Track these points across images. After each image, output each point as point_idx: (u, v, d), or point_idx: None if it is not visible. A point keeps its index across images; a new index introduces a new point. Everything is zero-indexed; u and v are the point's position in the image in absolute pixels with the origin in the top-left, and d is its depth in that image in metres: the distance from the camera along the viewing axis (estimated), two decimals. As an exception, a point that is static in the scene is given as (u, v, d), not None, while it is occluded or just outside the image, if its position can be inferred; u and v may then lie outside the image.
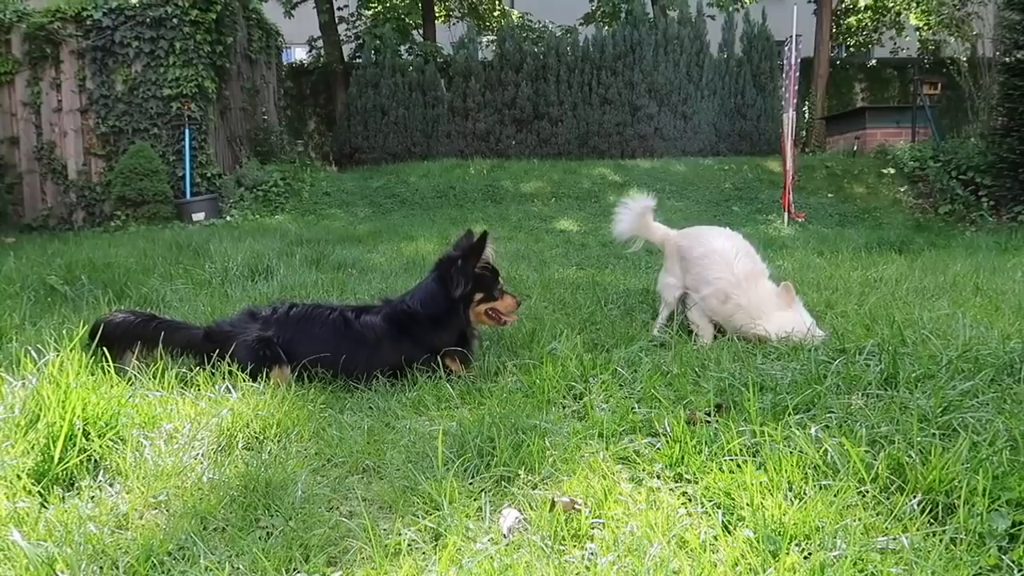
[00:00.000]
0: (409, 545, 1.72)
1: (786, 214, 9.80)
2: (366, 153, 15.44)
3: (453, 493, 1.91)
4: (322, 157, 16.73)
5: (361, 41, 17.41)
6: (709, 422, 2.30)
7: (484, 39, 19.53)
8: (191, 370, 2.85)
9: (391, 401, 2.75)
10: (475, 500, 1.92)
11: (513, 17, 20.74)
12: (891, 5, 21.84)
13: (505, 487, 1.99)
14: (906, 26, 22.03)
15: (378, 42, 15.78)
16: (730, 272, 3.46)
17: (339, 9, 19.20)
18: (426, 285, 3.15)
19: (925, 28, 21.17)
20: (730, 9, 16.65)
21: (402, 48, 17.26)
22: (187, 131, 10.64)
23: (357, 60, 17.61)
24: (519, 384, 2.85)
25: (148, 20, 10.59)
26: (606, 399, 2.63)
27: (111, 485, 2.05)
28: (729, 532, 1.71)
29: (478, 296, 3.13)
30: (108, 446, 2.17)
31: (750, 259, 3.59)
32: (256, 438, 2.37)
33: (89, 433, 2.15)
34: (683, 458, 2.07)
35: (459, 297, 3.06)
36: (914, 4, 21.39)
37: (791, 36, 9.79)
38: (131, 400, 2.42)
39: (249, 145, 12.55)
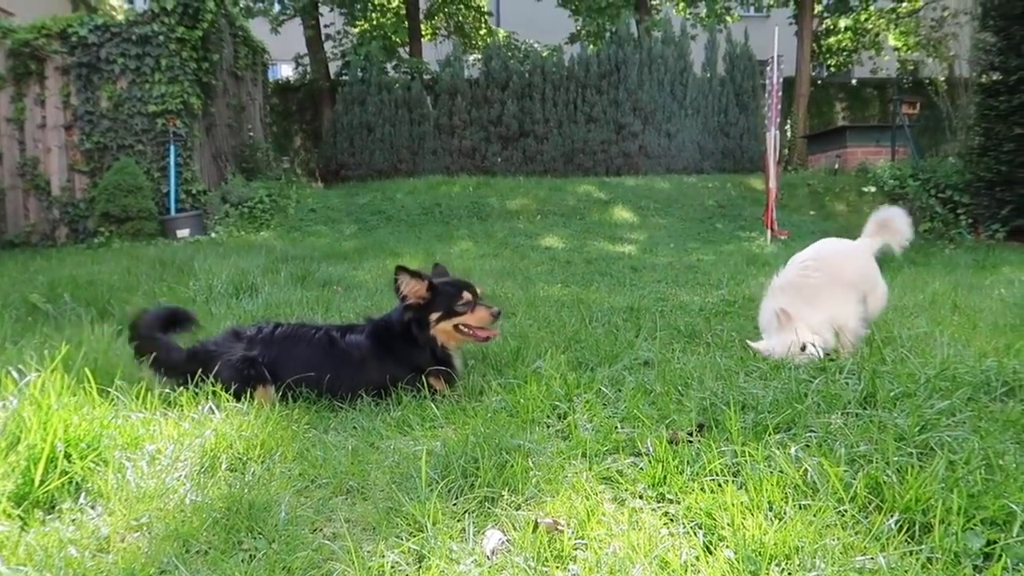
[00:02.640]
0: (392, 567, 1.73)
1: (769, 231, 9.90)
2: (352, 170, 15.47)
3: (437, 514, 1.92)
4: (308, 174, 16.73)
5: (347, 58, 17.49)
6: (691, 442, 2.32)
7: (470, 57, 19.68)
8: (174, 390, 2.84)
9: (375, 421, 2.75)
10: (459, 521, 1.92)
11: (499, 36, 20.90)
12: (870, 26, 22.22)
13: (489, 508, 1.99)
14: (885, 47, 22.40)
15: (364, 60, 15.85)
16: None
17: (325, 27, 19.30)
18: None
19: (904, 49, 21.56)
20: (713, 29, 16.86)
21: (388, 65, 17.35)
22: (172, 147, 10.62)
23: (343, 77, 17.67)
24: (503, 403, 2.86)
25: (134, 37, 10.60)
26: (590, 419, 2.64)
27: (92, 508, 2.04)
28: (710, 552, 1.72)
29: (435, 315, 3.03)
30: (90, 468, 2.15)
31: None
32: (239, 459, 2.37)
33: (71, 455, 2.14)
34: (665, 478, 2.08)
35: (409, 322, 3.04)
36: (893, 25, 21.78)
37: (773, 56, 9.93)
38: (114, 421, 2.41)
39: (235, 162, 12.53)
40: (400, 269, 3.01)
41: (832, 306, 3.42)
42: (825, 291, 3.44)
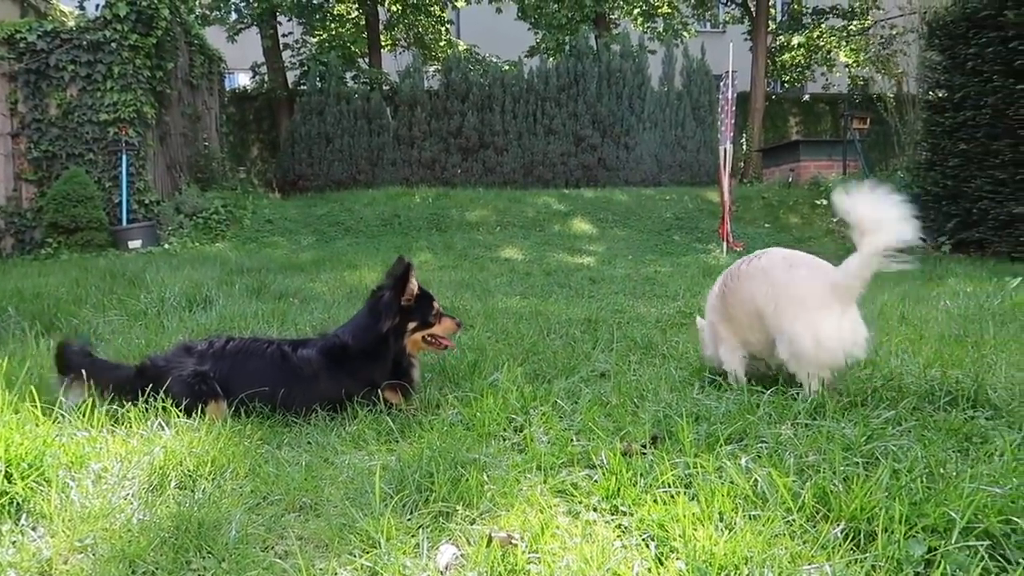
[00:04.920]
0: (345, 585, 1.71)
1: (725, 243, 10.06)
2: (310, 180, 15.34)
3: (391, 530, 1.90)
4: (265, 184, 16.54)
5: (306, 68, 17.37)
6: (645, 454, 2.34)
7: (430, 68, 19.68)
8: (123, 407, 2.77)
9: (330, 436, 2.72)
10: (413, 537, 1.91)
11: (459, 48, 20.95)
12: (822, 43, 22.82)
13: (443, 523, 1.98)
14: (837, 63, 23.03)
15: (323, 68, 15.75)
16: None
17: (284, 36, 19.13)
18: (358, 318, 3.12)
19: (854, 65, 22.18)
20: (670, 44, 17.13)
21: (347, 76, 17.26)
22: (124, 156, 10.41)
23: (302, 87, 17.53)
24: (460, 417, 2.85)
25: (85, 44, 10.39)
26: (546, 431, 2.65)
27: (34, 529, 1.98)
28: (662, 564, 1.74)
29: (412, 325, 3.05)
30: (32, 488, 2.09)
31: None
32: (189, 476, 2.31)
33: (11, 475, 2.07)
34: (619, 490, 2.10)
35: (388, 331, 3.00)
36: (844, 43, 22.40)
37: (728, 71, 10.13)
38: (58, 439, 2.34)
39: (189, 171, 12.33)
40: (411, 266, 3.02)
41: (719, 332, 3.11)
42: (719, 311, 3.07)
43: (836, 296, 2.71)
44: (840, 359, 2.70)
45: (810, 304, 2.73)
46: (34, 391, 2.57)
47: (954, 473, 2.05)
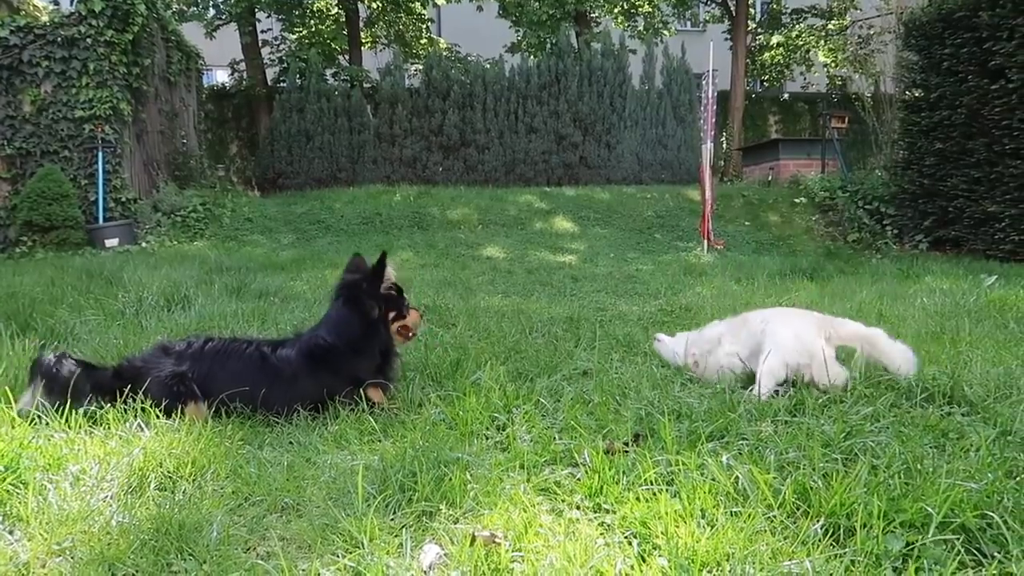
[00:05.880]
0: (327, 586, 1.70)
1: (706, 242, 10.12)
2: (290, 179, 15.23)
3: (374, 530, 1.90)
4: (244, 182, 16.40)
5: (285, 65, 17.24)
6: (627, 452, 2.35)
7: (411, 66, 19.60)
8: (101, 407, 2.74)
9: (312, 435, 2.70)
10: (396, 537, 1.91)
11: (440, 46, 20.89)
12: (801, 43, 23.00)
13: (426, 522, 1.98)
14: (815, 63, 23.22)
15: (303, 65, 15.63)
16: None
17: (262, 32, 18.98)
18: (337, 313, 3.08)
19: (832, 65, 22.38)
20: (651, 42, 17.19)
21: (328, 73, 17.15)
22: (100, 154, 10.28)
23: (281, 84, 17.40)
24: (442, 416, 2.85)
25: (59, 39, 10.24)
26: (529, 430, 2.65)
27: (11, 533, 1.95)
28: (644, 561, 1.75)
29: (392, 314, 3.12)
30: (8, 491, 2.06)
31: None
32: (169, 478, 2.30)
33: (-13, 478, 2.05)
34: (602, 488, 2.11)
35: (377, 318, 3.03)
36: (822, 42, 22.60)
37: (708, 70, 10.19)
38: (34, 442, 2.31)
39: (167, 169, 12.20)
40: (386, 254, 3.10)
41: None
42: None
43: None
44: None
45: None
46: (9, 392, 2.54)
47: (931, 469, 2.08)
